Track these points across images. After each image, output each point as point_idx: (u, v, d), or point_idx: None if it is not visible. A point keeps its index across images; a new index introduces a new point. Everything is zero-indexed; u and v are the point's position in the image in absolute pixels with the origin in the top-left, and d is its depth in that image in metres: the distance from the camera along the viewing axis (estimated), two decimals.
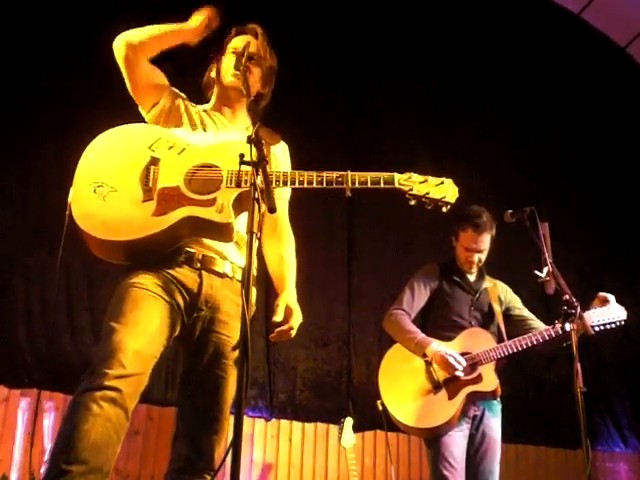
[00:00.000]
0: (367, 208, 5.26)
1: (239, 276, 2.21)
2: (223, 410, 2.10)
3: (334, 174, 2.11)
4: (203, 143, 2.28)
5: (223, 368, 2.11)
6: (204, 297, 2.13)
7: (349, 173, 2.11)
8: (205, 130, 2.37)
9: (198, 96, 2.55)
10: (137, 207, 2.08)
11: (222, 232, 2.08)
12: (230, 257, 2.21)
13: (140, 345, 1.95)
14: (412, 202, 2.16)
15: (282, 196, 2.43)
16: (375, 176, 2.13)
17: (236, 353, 1.65)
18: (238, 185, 2.05)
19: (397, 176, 2.14)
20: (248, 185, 1.90)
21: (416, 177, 2.16)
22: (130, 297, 2.04)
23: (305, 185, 2.11)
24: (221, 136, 2.35)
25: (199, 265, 2.14)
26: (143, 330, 1.98)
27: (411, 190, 2.14)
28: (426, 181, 2.17)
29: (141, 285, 2.06)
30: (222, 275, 2.18)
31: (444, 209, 2.18)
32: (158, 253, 2.10)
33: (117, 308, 2.03)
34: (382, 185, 2.13)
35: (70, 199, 2.11)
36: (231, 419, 1.59)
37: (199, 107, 2.48)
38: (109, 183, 2.11)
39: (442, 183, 2.17)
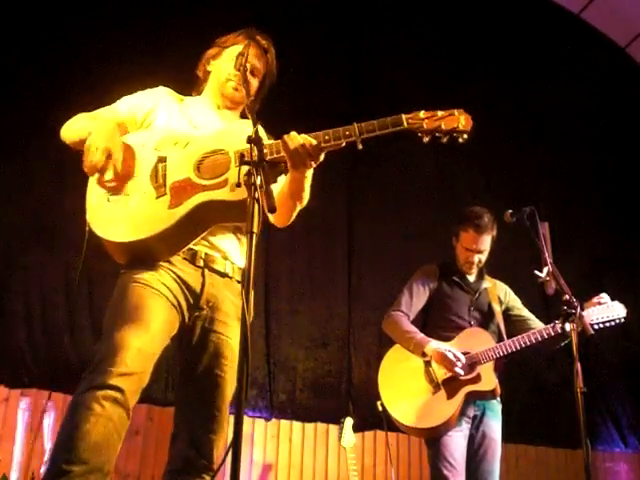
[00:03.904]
0: (367, 208, 5.26)
1: (238, 277, 2.20)
2: (222, 410, 2.10)
3: (340, 129, 2.04)
4: (205, 133, 2.26)
5: (222, 368, 2.11)
6: (206, 296, 2.13)
7: (355, 125, 2.03)
8: (203, 124, 2.34)
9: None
10: (152, 204, 2.09)
11: (242, 210, 1.94)
12: (231, 257, 2.20)
13: (142, 343, 1.95)
14: (425, 139, 2.04)
15: None
16: (382, 121, 2.03)
17: (236, 353, 1.64)
18: (247, 162, 2.02)
19: (404, 116, 2.04)
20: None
21: (423, 113, 2.05)
22: (133, 294, 2.03)
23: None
24: (214, 127, 2.33)
25: (202, 263, 2.14)
26: (146, 328, 1.97)
27: (421, 127, 2.03)
28: (435, 115, 2.04)
29: (144, 282, 2.05)
30: (223, 275, 2.18)
31: (460, 140, 2.05)
32: (185, 244, 2.10)
33: (119, 305, 2.03)
34: (390, 128, 2.02)
35: (87, 217, 2.11)
36: (231, 419, 1.58)
37: (192, 100, 2.46)
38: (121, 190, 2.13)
39: (452, 114, 2.05)
